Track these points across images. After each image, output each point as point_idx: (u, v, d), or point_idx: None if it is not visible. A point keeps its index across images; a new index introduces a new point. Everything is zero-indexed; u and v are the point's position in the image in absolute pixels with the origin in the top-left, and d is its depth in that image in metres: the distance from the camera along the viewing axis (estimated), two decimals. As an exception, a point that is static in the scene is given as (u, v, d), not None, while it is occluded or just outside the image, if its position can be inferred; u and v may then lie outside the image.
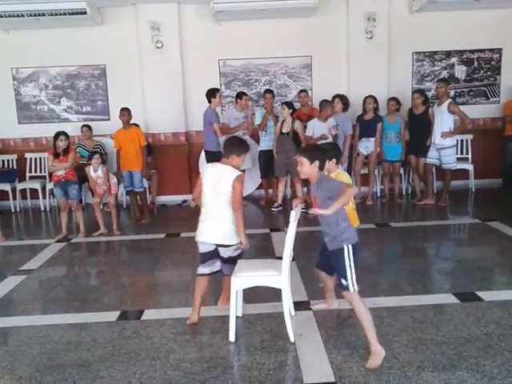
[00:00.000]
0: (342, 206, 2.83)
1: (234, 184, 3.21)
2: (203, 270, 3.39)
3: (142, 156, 6.41)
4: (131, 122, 6.49)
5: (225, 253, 3.33)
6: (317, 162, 2.95)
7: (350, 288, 2.85)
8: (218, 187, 3.24)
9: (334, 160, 3.55)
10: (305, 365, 2.81)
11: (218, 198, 3.24)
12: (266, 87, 7.56)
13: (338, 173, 3.57)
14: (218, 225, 3.29)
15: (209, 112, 6.69)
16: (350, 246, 2.89)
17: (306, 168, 2.96)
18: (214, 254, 3.36)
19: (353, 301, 2.86)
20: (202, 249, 3.36)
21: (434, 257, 5.04)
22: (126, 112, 6.41)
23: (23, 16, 6.77)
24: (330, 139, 6.32)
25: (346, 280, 2.85)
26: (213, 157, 6.27)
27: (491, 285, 4.06)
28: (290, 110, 6.51)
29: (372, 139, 6.92)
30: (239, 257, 3.38)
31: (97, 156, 5.98)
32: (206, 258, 3.36)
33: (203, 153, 7.07)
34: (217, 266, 3.41)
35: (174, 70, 7.50)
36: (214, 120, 6.67)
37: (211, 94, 6.66)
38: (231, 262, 3.33)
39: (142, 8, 7.33)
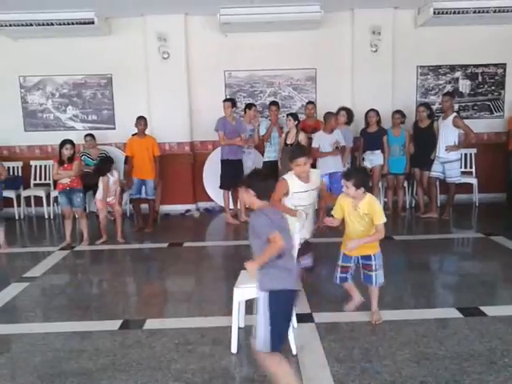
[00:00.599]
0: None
1: None
2: None
3: (155, 165, 6.48)
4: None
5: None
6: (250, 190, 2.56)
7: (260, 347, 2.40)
8: None
9: (362, 188, 3.33)
10: (307, 377, 2.80)
11: None
12: (271, 99, 7.62)
13: (369, 200, 3.38)
14: None
15: (218, 120, 6.79)
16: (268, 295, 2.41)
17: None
18: None
19: (265, 363, 2.43)
20: None
21: (437, 271, 5.02)
22: (142, 121, 6.51)
23: (32, 25, 6.86)
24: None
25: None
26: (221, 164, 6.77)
27: (495, 300, 4.05)
28: (296, 122, 6.55)
29: (376, 152, 6.93)
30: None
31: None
32: None
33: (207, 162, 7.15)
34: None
35: (179, 80, 7.56)
36: (218, 128, 6.73)
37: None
38: None
39: (149, 19, 7.41)
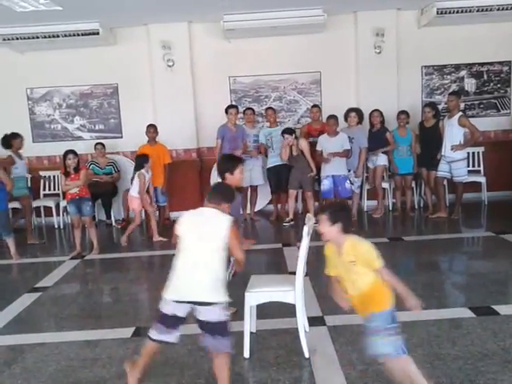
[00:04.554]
0: None
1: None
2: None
3: (164, 172, 6.53)
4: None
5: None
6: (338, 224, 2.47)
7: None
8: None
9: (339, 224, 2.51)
10: (320, 380, 2.80)
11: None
12: (276, 103, 7.66)
13: (352, 243, 2.52)
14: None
15: (218, 128, 6.84)
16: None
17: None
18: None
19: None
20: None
21: (448, 270, 5.00)
22: (152, 129, 6.62)
23: (38, 38, 6.94)
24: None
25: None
26: None
27: (507, 298, 4.02)
28: (293, 135, 6.51)
29: (377, 152, 6.93)
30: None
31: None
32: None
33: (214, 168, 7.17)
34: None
35: (185, 87, 7.60)
36: (217, 136, 6.80)
37: (225, 110, 6.85)
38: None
39: (153, 28, 7.47)
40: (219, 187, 2.98)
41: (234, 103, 7.33)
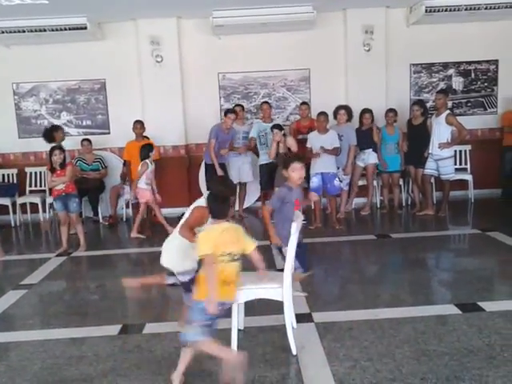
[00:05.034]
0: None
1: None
2: None
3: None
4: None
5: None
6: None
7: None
8: None
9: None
10: (307, 377, 2.80)
11: None
12: (265, 100, 7.62)
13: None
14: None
15: (212, 127, 6.84)
16: None
17: None
18: None
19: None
20: None
21: (434, 267, 5.03)
22: (139, 125, 6.57)
23: (24, 32, 6.86)
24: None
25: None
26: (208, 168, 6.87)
27: (493, 295, 4.06)
28: (282, 132, 6.50)
29: (367, 151, 6.95)
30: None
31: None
32: None
33: (203, 165, 7.17)
34: None
35: (173, 83, 7.55)
36: (211, 136, 6.77)
37: (225, 113, 6.87)
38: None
39: (141, 23, 7.41)
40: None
41: (233, 109, 7.05)
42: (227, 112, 6.78)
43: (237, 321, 3.14)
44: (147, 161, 6.15)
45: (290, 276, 3.07)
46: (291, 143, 6.42)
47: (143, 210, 6.30)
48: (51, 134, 6.51)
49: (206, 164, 6.98)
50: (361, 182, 7.26)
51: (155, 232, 6.60)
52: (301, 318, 3.51)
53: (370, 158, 6.99)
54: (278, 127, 6.49)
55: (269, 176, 6.88)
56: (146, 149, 6.24)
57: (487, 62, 7.87)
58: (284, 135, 6.50)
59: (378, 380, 2.73)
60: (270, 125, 6.90)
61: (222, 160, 6.84)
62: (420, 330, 3.31)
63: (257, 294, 3.14)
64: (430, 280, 4.47)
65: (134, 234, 6.29)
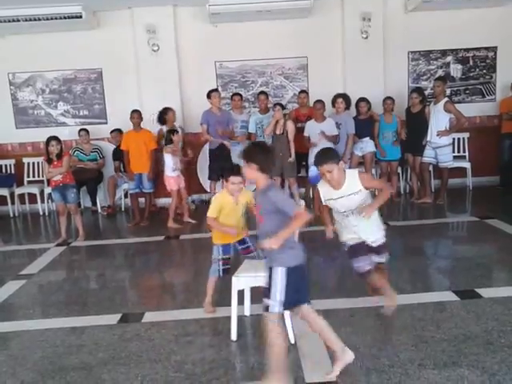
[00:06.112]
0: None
1: None
2: None
3: (150, 158, 6.46)
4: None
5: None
6: None
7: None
8: None
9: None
10: (306, 365, 2.82)
11: None
12: (263, 88, 7.58)
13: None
14: None
15: (202, 113, 6.80)
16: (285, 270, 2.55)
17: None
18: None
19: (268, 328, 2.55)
20: None
21: (432, 255, 5.05)
22: (136, 114, 6.51)
23: (19, 21, 6.79)
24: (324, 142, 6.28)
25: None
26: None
27: (490, 282, 4.08)
28: (282, 111, 6.50)
29: (365, 139, 6.93)
30: None
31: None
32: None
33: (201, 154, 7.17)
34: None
35: (170, 72, 7.51)
36: (201, 121, 6.76)
37: (207, 95, 6.73)
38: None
39: (137, 11, 7.34)
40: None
41: (216, 87, 7.18)
42: (209, 93, 6.73)
43: (236, 307, 3.17)
44: (170, 146, 6.09)
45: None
46: (290, 128, 6.40)
47: (175, 197, 6.28)
48: (162, 116, 6.59)
49: (209, 150, 6.92)
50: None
51: (153, 221, 6.62)
52: (299, 306, 3.52)
53: (367, 146, 6.98)
54: (281, 105, 6.54)
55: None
56: (168, 134, 6.19)
57: (486, 48, 7.83)
58: (285, 116, 6.50)
59: (377, 366, 2.75)
60: (266, 115, 6.90)
61: (225, 148, 6.78)
62: (418, 317, 3.33)
63: (256, 281, 3.15)
64: (428, 267, 4.49)
65: (170, 224, 6.25)
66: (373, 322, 3.31)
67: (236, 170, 3.35)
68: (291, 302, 2.61)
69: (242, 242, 3.60)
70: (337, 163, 3.11)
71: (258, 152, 2.59)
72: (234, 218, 3.52)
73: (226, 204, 3.49)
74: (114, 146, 7.42)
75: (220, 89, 7.66)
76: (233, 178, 3.40)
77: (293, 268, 2.55)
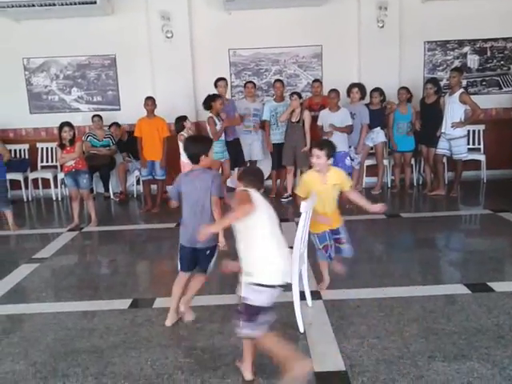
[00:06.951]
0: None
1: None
2: None
3: (163, 146, 6.47)
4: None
5: None
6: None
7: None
8: None
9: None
10: (315, 354, 2.82)
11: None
12: (276, 77, 7.52)
13: (336, 171, 3.49)
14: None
15: None
16: None
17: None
18: None
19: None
20: None
21: (444, 247, 5.02)
22: (150, 101, 6.49)
23: (34, 6, 6.78)
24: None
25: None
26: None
27: (503, 275, 4.04)
28: (300, 100, 6.50)
29: (376, 130, 6.87)
30: None
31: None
32: None
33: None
34: None
35: (183, 59, 7.49)
36: None
37: (214, 84, 6.69)
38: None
39: (152, -3, 7.31)
40: (254, 172, 2.83)
41: (223, 76, 7.09)
42: (216, 81, 6.67)
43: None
44: (183, 133, 6.06)
45: (298, 255, 3.07)
46: (308, 117, 6.44)
47: None
48: (209, 102, 6.43)
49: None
50: (370, 162, 7.20)
51: (163, 208, 6.64)
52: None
53: (378, 136, 6.92)
54: (298, 94, 6.54)
55: (279, 155, 6.84)
56: (179, 120, 6.05)
57: (504, 39, 7.68)
58: (301, 105, 6.48)
59: (386, 357, 2.75)
60: (281, 104, 6.85)
61: (235, 135, 6.76)
62: (429, 309, 3.32)
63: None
64: (439, 260, 4.46)
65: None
66: (382, 312, 3.30)
67: (319, 145, 3.42)
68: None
69: (335, 231, 3.51)
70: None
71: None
72: (325, 202, 3.40)
73: (313, 183, 3.39)
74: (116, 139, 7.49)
75: (233, 77, 7.65)
76: (315, 151, 3.36)
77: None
